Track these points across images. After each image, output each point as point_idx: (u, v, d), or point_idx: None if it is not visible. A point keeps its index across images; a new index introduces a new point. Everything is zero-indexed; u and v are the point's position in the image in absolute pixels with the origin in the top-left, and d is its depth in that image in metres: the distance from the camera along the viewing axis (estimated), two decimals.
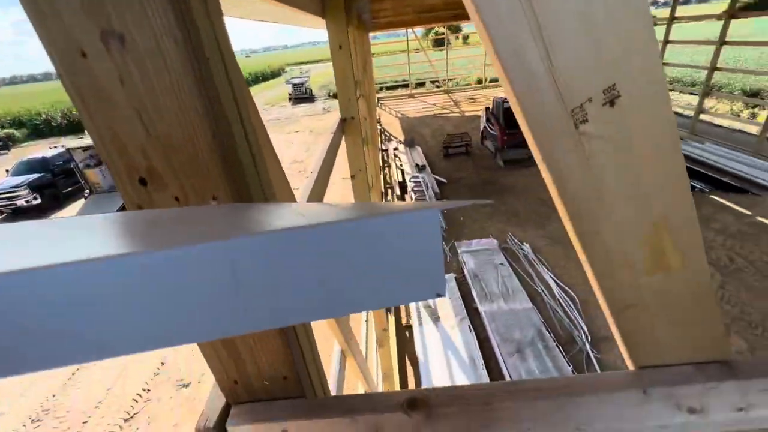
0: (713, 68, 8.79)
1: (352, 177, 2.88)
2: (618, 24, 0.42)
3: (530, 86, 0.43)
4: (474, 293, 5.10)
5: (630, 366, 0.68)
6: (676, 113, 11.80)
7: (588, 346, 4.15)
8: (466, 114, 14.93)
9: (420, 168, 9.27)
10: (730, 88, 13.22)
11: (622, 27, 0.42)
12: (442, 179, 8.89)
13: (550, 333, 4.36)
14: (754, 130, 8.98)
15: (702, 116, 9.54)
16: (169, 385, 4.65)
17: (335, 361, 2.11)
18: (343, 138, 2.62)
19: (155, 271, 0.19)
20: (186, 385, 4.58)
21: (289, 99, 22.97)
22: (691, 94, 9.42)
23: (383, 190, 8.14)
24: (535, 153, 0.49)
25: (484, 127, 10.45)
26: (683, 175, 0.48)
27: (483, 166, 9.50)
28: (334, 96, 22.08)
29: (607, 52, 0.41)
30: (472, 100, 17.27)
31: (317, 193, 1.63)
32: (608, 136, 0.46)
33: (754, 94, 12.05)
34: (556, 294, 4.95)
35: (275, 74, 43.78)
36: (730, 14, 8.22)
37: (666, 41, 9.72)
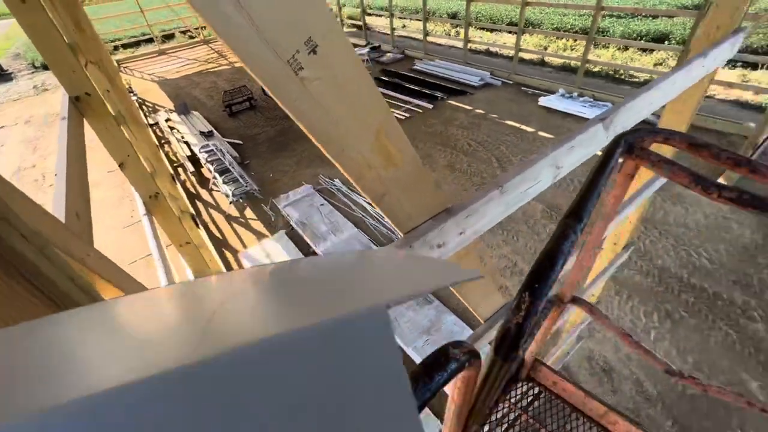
0: None
1: (121, 166, 2.40)
2: None
3: (249, 48, 0.52)
4: (307, 239, 5.37)
5: (401, 235, 0.98)
6: (410, 38, 14.12)
7: None
8: (236, 65, 13.69)
9: (207, 135, 8.27)
10: (439, 12, 16.68)
11: None
12: (236, 141, 8.26)
13: (377, 245, 5.17)
14: (460, 44, 11.87)
15: (429, 38, 11.86)
16: None
17: None
18: (86, 122, 2.09)
19: None
20: None
21: None
22: (417, 20, 11.44)
23: (172, 172, 6.97)
24: (280, 103, 0.61)
25: None
26: (377, 92, 0.70)
27: (273, 117, 9.28)
28: (45, 67, 15.93)
29: (295, 13, 0.54)
30: None
31: (76, 202, 1.33)
32: (322, 77, 0.61)
33: (453, 15, 15.65)
34: (371, 212, 5.77)
35: None
36: None
37: None
